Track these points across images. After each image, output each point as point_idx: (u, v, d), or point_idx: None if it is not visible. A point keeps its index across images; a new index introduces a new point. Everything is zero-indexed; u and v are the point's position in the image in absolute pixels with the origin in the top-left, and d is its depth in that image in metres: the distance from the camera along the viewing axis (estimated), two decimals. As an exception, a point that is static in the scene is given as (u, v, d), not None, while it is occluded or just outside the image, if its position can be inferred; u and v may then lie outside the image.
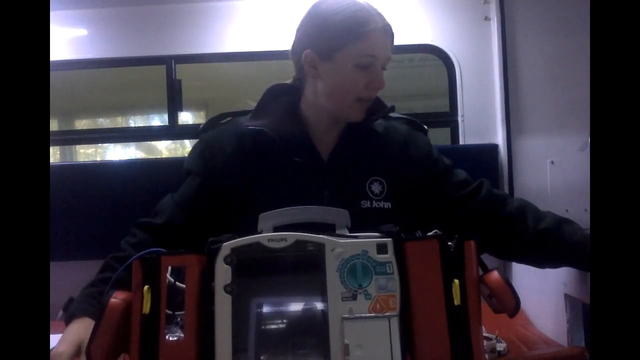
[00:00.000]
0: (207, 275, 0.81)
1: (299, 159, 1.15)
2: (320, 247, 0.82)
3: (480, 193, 1.19)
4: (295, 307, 0.82)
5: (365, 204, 1.14)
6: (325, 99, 1.15)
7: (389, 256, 0.81)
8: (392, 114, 1.26)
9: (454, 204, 1.19)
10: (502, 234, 1.15)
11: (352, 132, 1.19)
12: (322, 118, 1.18)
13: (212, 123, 1.25)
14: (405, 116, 1.31)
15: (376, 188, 1.16)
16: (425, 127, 1.31)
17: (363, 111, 1.16)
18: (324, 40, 1.12)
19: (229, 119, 1.25)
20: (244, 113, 1.23)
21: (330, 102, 1.15)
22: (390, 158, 1.19)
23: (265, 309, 0.82)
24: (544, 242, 1.12)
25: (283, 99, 1.20)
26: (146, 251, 0.84)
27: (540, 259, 1.18)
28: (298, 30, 1.18)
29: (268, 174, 1.15)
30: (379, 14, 1.14)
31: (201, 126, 1.26)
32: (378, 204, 1.14)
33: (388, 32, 1.14)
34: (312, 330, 0.80)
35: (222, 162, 1.17)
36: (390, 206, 1.15)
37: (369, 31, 1.10)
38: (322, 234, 0.83)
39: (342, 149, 1.18)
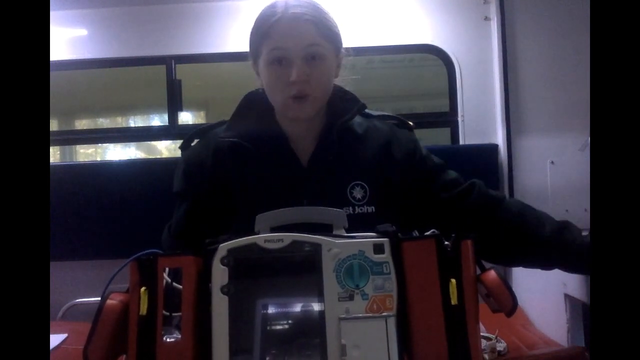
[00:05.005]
0: (204, 276, 0.81)
1: (278, 168, 1.12)
2: (316, 247, 0.82)
3: (472, 194, 1.14)
4: (301, 308, 0.82)
5: (348, 210, 1.09)
6: (271, 102, 1.14)
7: (386, 256, 0.81)
8: (374, 112, 1.22)
9: (441, 205, 1.14)
10: (499, 239, 1.11)
11: (330, 135, 1.13)
12: (294, 122, 1.14)
13: (191, 139, 1.22)
14: (388, 114, 1.25)
15: (358, 193, 1.12)
16: (411, 123, 1.24)
17: (307, 108, 1.09)
18: (250, 47, 1.13)
19: (207, 131, 1.21)
20: (221, 124, 1.19)
21: (273, 104, 1.14)
22: (372, 160, 1.14)
23: (271, 310, 0.82)
24: (545, 249, 1.09)
25: (259, 106, 1.17)
26: (143, 252, 0.83)
27: (539, 265, 1.15)
28: None
29: (248, 186, 1.12)
30: (286, 4, 1.06)
31: (180, 144, 1.23)
32: (361, 209, 1.10)
33: (298, 18, 1.05)
34: (316, 332, 0.79)
35: (204, 179, 1.15)
36: (374, 210, 1.11)
37: (272, 24, 1.05)
38: (319, 235, 0.83)
39: (321, 154, 1.14)
